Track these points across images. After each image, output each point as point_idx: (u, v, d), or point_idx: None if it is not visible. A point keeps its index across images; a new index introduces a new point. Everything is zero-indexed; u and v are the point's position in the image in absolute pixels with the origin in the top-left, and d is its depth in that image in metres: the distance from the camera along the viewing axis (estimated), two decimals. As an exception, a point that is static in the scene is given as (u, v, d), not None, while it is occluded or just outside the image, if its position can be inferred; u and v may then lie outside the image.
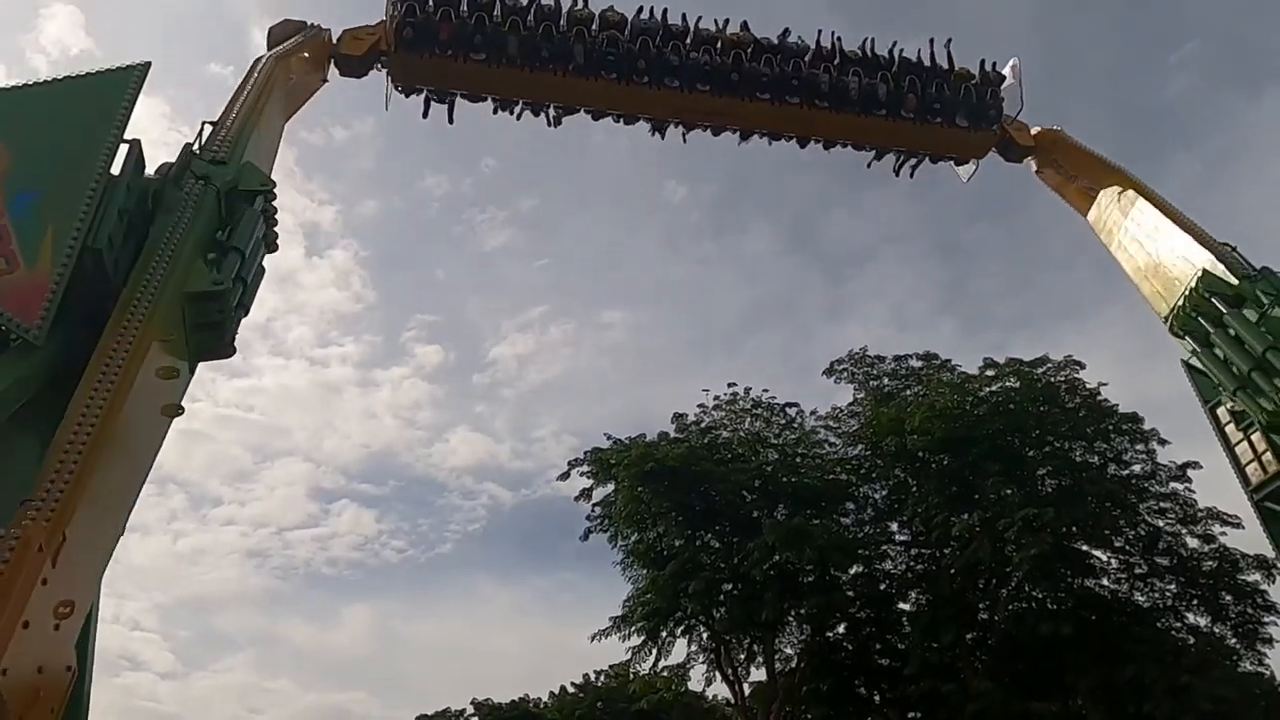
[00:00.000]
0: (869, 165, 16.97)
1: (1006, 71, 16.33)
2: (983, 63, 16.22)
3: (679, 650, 31.40)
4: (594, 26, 14.71)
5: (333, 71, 14.35)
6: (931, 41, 16.07)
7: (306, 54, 13.04)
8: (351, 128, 79.42)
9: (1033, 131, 16.22)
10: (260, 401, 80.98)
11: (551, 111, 15.48)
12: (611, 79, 14.77)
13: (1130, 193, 14.01)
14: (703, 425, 33.24)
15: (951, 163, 17.05)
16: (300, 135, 73.84)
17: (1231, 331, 11.43)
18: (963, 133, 16.02)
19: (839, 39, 15.55)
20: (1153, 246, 13.31)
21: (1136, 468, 29.78)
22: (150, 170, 8.47)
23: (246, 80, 10.91)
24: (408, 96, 15.01)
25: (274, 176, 9.53)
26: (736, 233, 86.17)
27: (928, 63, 15.86)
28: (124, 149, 7.90)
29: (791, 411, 33.92)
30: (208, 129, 9.37)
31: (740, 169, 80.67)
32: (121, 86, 7.99)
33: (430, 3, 14.20)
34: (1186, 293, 12.14)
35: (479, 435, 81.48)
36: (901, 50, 15.82)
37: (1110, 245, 14.40)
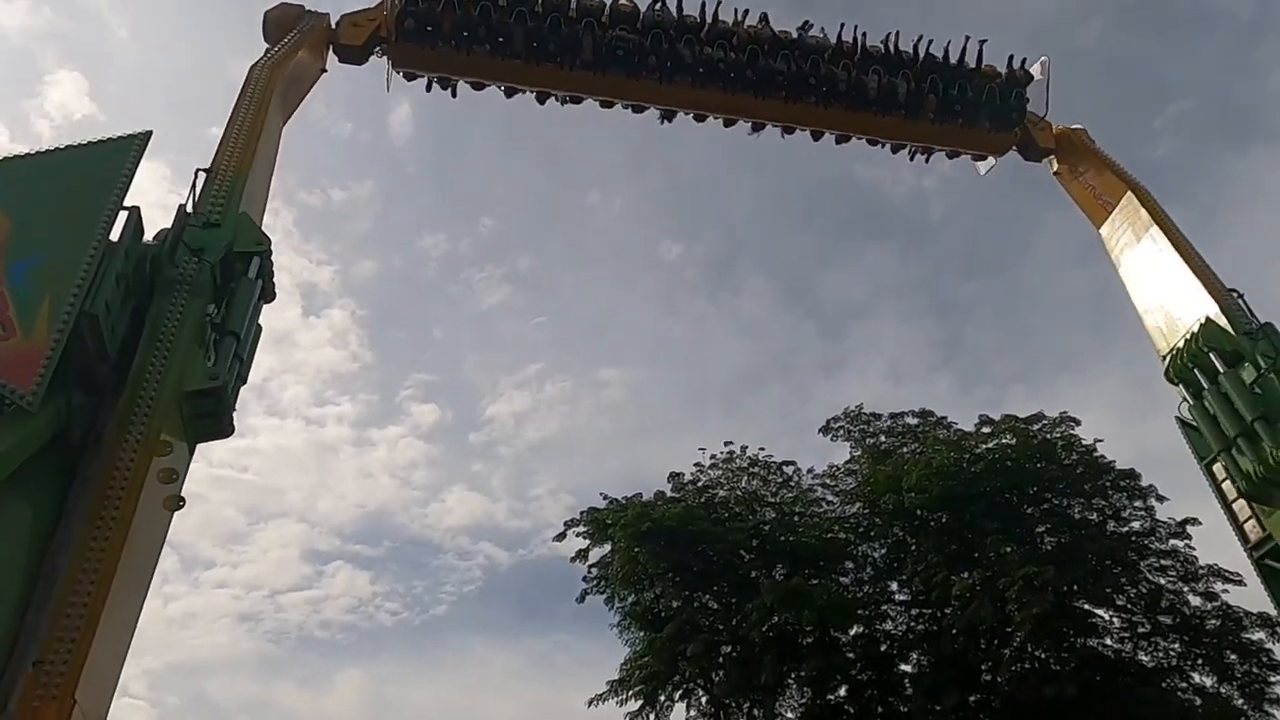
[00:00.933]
0: (880, 146, 16.42)
1: (1036, 70, 15.93)
2: (1010, 59, 15.78)
3: (678, 715, 30.72)
4: (604, 16, 14.21)
5: (332, 60, 13.96)
6: (966, 39, 15.64)
7: (304, 51, 12.76)
8: (350, 190, 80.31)
9: (1055, 130, 15.89)
10: (255, 462, 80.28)
11: (559, 95, 14.98)
12: (620, 75, 14.37)
13: (1145, 215, 13.73)
14: (699, 484, 33.08)
15: (969, 157, 16.72)
16: (299, 197, 74.77)
17: (1224, 391, 11.37)
18: (983, 133, 15.74)
19: (863, 34, 15.06)
20: (1160, 279, 13.11)
21: (1136, 524, 29.58)
22: (150, 234, 8.60)
23: (242, 97, 10.90)
24: (410, 81, 14.61)
25: (272, 236, 9.53)
26: (732, 290, 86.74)
27: (954, 60, 15.41)
28: (124, 216, 8.03)
29: (788, 470, 33.80)
30: (201, 178, 9.40)
31: (735, 227, 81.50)
32: (122, 155, 8.13)
33: None
34: (1187, 337, 12.06)
35: (475, 494, 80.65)
36: (930, 43, 15.40)
37: (1119, 265, 14.16)
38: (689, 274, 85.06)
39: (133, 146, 8.28)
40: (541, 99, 14.92)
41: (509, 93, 14.81)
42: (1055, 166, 16.03)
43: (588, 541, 31.79)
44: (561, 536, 32.50)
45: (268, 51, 12.25)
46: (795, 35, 14.98)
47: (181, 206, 8.86)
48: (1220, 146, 73.15)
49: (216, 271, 8.48)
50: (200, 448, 8.26)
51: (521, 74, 14.29)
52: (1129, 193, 14.26)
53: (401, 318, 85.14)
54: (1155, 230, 13.45)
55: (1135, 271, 13.76)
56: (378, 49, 14.04)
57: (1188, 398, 12.13)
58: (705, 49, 14.50)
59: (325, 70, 13.80)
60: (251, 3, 12.76)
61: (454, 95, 14.86)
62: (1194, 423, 12.03)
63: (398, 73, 14.34)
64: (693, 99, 14.94)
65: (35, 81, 67.37)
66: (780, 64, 14.71)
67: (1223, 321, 11.79)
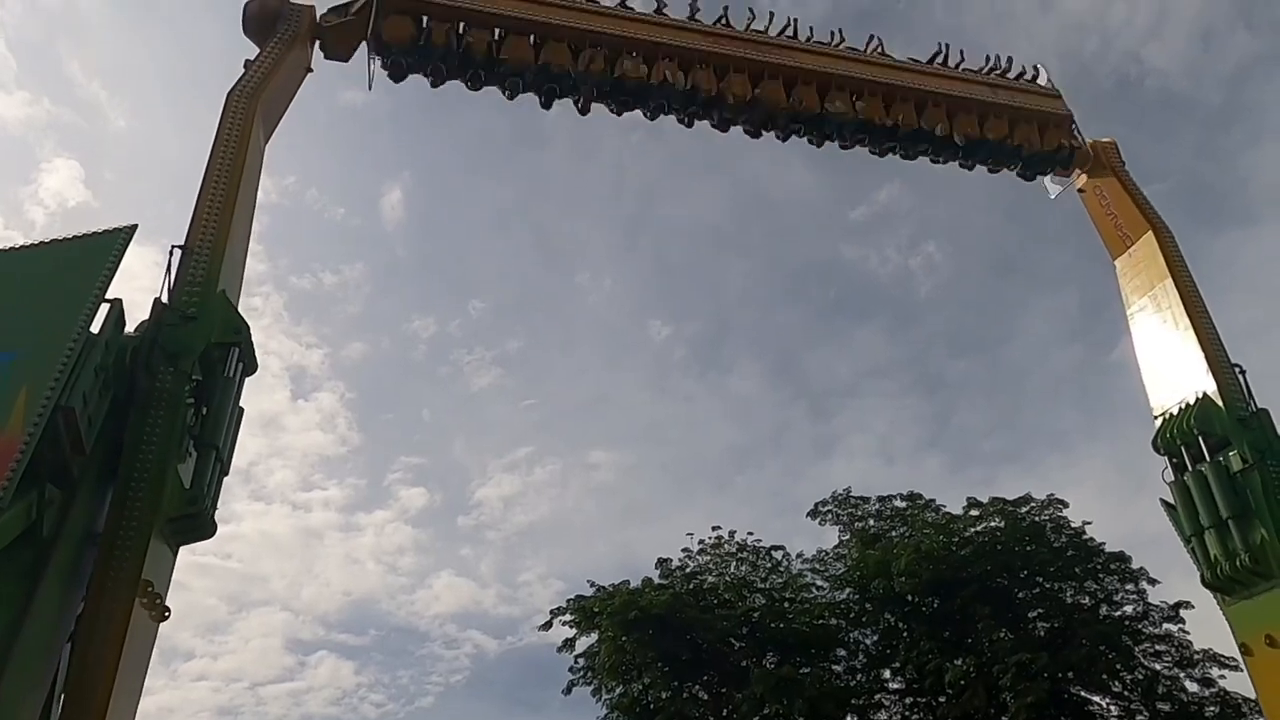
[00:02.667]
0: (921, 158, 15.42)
1: (1042, 80, 15.43)
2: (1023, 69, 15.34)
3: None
4: (607, 87, 13.47)
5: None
6: (946, 45, 15.16)
7: (287, 64, 11.84)
8: (341, 273, 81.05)
9: (1087, 141, 15.13)
10: (238, 548, 78.76)
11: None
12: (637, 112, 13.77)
13: (1161, 262, 13.12)
14: (688, 570, 32.66)
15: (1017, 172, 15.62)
16: (290, 281, 75.35)
17: (1206, 476, 11.26)
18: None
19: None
20: (1165, 335, 12.74)
21: (1128, 608, 29.34)
22: (134, 323, 8.61)
23: (219, 137, 10.26)
24: (398, 81, 13.46)
25: (262, 321, 9.60)
26: (722, 370, 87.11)
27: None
28: (107, 308, 8.06)
29: (778, 555, 33.48)
30: (177, 255, 9.11)
31: (724, 307, 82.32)
32: (106, 249, 8.19)
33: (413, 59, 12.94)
34: (1181, 408, 11.90)
35: (463, 580, 79.13)
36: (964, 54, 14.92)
37: (1128, 305, 13.72)
38: (678, 354, 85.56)
39: (118, 240, 8.34)
40: (548, 102, 13.84)
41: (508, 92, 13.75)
42: (1080, 182, 15.25)
43: (574, 631, 31.23)
44: (548, 625, 31.89)
45: (246, 66, 11.34)
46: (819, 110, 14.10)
47: (157, 300, 8.76)
48: (1196, 227, 74.78)
49: (194, 370, 8.49)
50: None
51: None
52: (1150, 232, 13.65)
53: (390, 400, 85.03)
54: (1169, 283, 12.92)
55: (1142, 318, 13.34)
56: (365, 39, 12.99)
57: (1171, 471, 12.03)
58: (722, 115, 14.06)
59: (311, 70, 12.83)
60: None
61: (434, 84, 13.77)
62: (1172, 500, 11.96)
63: (384, 70, 13.34)
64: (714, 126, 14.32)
65: (31, 169, 68.32)
66: (801, 136, 14.42)
67: (1219, 401, 11.54)
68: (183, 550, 8.28)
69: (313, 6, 12.64)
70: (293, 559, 77.90)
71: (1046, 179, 15.79)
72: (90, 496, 7.69)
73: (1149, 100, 71.39)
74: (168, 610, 7.73)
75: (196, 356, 8.51)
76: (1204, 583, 11.21)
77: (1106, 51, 71.91)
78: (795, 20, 14.61)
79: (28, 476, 6.68)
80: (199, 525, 8.23)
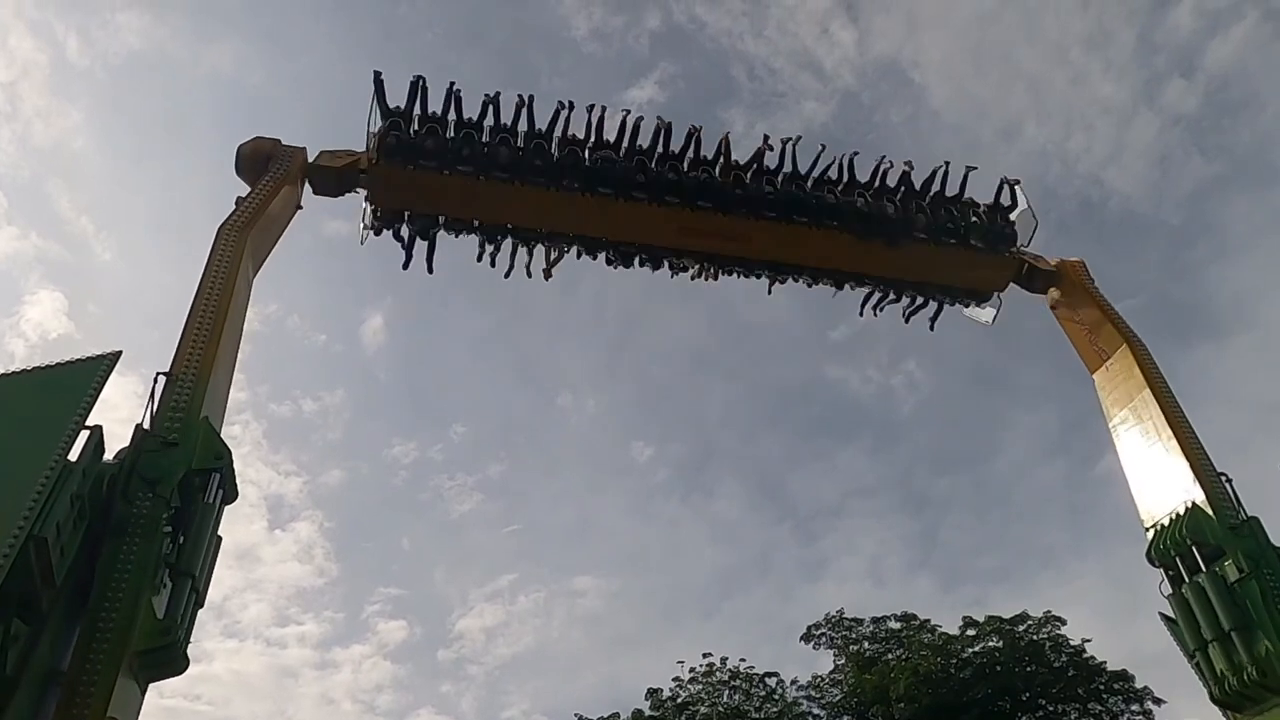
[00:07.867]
0: (876, 309, 16.04)
1: (1018, 195, 15.59)
2: (1002, 183, 15.58)
3: None
4: (588, 146, 13.93)
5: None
6: (947, 164, 15.37)
7: (278, 193, 12.17)
8: (321, 400, 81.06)
9: (1054, 262, 15.31)
10: (209, 690, 75.60)
11: (539, 253, 14.39)
12: (608, 195, 13.84)
13: (1139, 374, 13.19)
14: (679, 700, 31.57)
15: (971, 307, 16.08)
16: (270, 409, 75.08)
17: (1204, 588, 11.03)
18: (979, 257, 15.20)
19: (853, 154, 14.82)
20: (1148, 447, 12.70)
21: (1136, 730, 28.40)
22: (113, 451, 8.42)
23: (208, 270, 10.39)
24: (387, 228, 13.91)
25: (241, 449, 9.40)
26: (705, 492, 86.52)
27: (936, 187, 15.22)
28: (86, 435, 7.90)
29: (771, 681, 32.48)
30: (161, 382, 9.09)
31: (706, 428, 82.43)
32: (89, 376, 8.08)
33: (416, 122, 13.52)
34: (1172, 519, 11.75)
35: (444, 719, 75.99)
36: (910, 169, 15.12)
37: (1110, 419, 13.72)
38: (661, 476, 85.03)
39: (100, 367, 8.24)
40: (525, 241, 14.23)
41: (489, 239, 14.12)
42: (1053, 300, 15.39)
43: (562, 769, 29.85)
44: (534, 765, 30.49)
45: (238, 203, 11.70)
46: (779, 161, 14.62)
47: (139, 426, 8.62)
48: (1168, 341, 76.60)
49: (173, 497, 8.29)
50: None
51: (505, 200, 13.72)
52: (1124, 346, 13.75)
53: (370, 528, 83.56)
54: (1147, 394, 12.97)
55: (1124, 431, 13.31)
56: (356, 186, 13.64)
57: (1168, 583, 11.80)
58: (690, 173, 14.18)
59: (300, 207, 13.30)
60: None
61: (430, 269, 14.24)
62: (1173, 615, 11.69)
63: (375, 215, 13.79)
64: (683, 223, 14.23)
65: (14, 301, 68.72)
66: (767, 186, 14.42)
67: (1209, 510, 11.40)
68: (150, 694, 7.87)
69: (304, 149, 13.22)
70: (265, 700, 74.89)
71: (977, 309, 16.16)
72: (57, 632, 7.35)
73: (1113, 220, 74.20)
74: None
75: (176, 483, 8.33)
76: (1213, 699, 10.85)
77: (1069, 176, 75.06)
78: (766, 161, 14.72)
79: (-8, 604, 6.41)
80: (171, 659, 7.83)
